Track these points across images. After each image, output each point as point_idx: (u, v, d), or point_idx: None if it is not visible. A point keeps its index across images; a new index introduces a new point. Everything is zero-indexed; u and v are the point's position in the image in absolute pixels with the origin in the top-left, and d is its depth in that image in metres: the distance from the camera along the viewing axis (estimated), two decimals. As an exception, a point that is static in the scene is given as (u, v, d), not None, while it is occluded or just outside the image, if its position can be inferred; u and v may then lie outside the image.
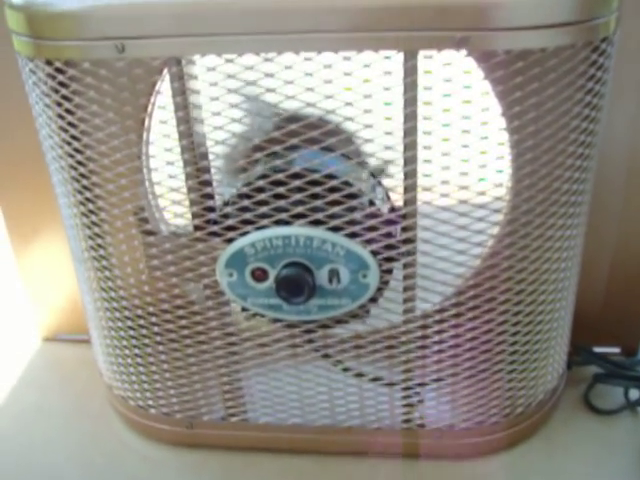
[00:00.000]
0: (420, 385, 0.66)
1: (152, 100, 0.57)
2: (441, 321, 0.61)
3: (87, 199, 0.62)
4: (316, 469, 0.71)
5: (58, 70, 0.55)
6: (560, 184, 0.57)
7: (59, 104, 0.57)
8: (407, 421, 0.69)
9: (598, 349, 0.82)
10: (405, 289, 0.60)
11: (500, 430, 0.70)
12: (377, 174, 0.61)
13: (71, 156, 0.60)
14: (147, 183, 0.61)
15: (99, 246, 0.64)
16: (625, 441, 0.74)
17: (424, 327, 0.62)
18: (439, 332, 0.62)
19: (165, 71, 0.54)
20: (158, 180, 0.60)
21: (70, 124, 0.58)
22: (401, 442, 0.70)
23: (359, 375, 0.66)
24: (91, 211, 0.62)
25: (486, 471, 0.71)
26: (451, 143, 0.54)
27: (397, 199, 0.60)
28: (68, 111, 0.57)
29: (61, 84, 0.56)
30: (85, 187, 0.61)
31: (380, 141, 0.55)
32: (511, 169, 0.56)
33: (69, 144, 0.59)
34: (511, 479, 0.70)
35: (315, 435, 0.70)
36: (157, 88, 0.56)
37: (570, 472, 0.71)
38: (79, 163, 0.60)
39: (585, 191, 0.60)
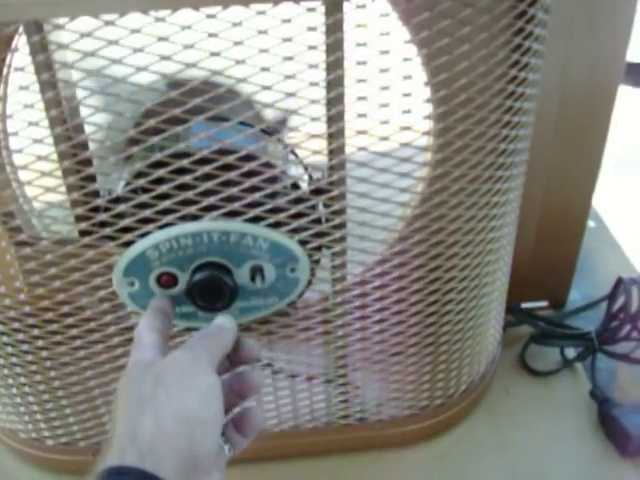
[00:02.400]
0: (359, 369, 0.59)
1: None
2: (374, 290, 0.54)
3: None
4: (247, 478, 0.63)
5: None
6: (485, 128, 0.50)
7: None
8: (345, 417, 0.61)
9: (526, 304, 0.77)
10: (333, 268, 0.53)
11: (444, 412, 0.65)
12: (278, 128, 0.51)
13: None
14: (14, 183, 0.50)
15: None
16: (567, 401, 0.70)
17: (360, 297, 0.54)
18: (372, 304, 0.54)
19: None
20: (27, 178, 0.48)
21: None
22: (343, 438, 0.63)
23: (292, 376, 0.57)
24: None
25: (432, 455, 0.66)
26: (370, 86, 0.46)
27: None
28: None
29: None
30: None
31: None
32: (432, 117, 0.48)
33: None
34: (461, 458, 0.65)
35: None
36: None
37: (517, 442, 0.67)
38: None
39: (519, 142, 0.53)
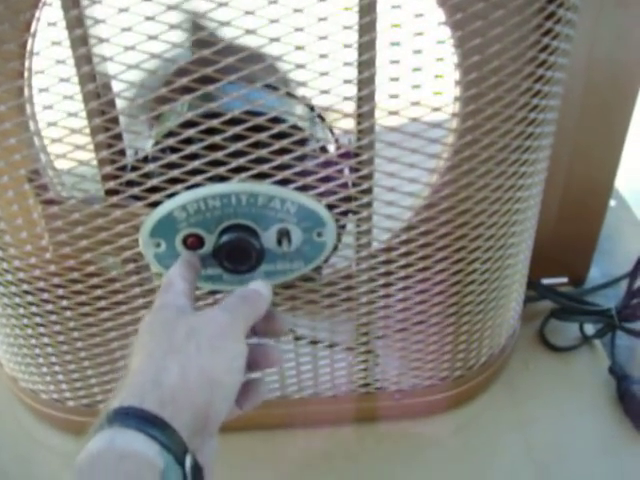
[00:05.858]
0: (381, 338, 0.59)
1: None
2: (400, 257, 0.53)
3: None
4: (265, 445, 0.64)
5: None
6: (516, 96, 0.49)
7: None
8: (366, 385, 0.61)
9: (546, 280, 0.77)
10: (358, 234, 0.52)
11: (463, 383, 0.65)
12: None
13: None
14: (38, 141, 0.50)
15: (-15, 221, 0.52)
16: (586, 377, 0.70)
17: (385, 264, 0.54)
18: (396, 271, 0.54)
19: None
20: (53, 136, 0.48)
21: None
22: (361, 407, 0.63)
23: (314, 342, 0.58)
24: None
25: (450, 427, 0.66)
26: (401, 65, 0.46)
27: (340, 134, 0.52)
28: None
29: None
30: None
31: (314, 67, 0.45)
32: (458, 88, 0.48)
33: None
34: (479, 431, 0.65)
35: (262, 410, 0.62)
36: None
37: (535, 416, 0.67)
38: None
39: (547, 112, 0.53)
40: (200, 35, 0.44)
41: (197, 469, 0.36)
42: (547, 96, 0.51)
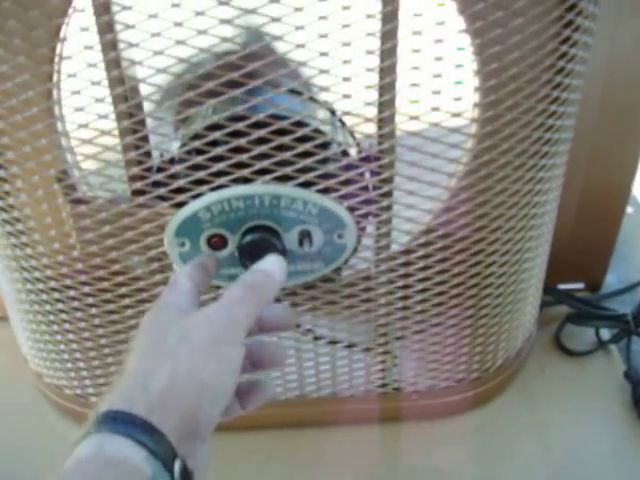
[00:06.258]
0: (399, 339, 0.59)
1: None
2: (418, 260, 0.54)
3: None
4: (283, 444, 0.65)
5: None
6: (534, 103, 0.50)
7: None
8: (383, 385, 0.62)
9: (563, 286, 0.78)
10: (378, 236, 0.53)
11: (479, 385, 0.65)
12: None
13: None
14: (65, 142, 0.51)
15: (15, 220, 0.54)
16: (601, 382, 0.71)
17: (404, 266, 0.55)
18: (415, 273, 0.55)
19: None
20: (82, 137, 0.50)
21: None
22: (378, 407, 0.64)
23: (332, 343, 0.59)
24: (3, 179, 0.52)
25: (465, 428, 0.67)
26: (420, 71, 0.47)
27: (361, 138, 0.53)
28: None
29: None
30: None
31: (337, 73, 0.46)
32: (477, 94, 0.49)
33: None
34: (492, 434, 0.66)
35: (282, 409, 0.63)
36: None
37: (550, 420, 0.67)
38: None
39: (565, 119, 0.54)
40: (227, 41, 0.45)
41: (186, 475, 0.36)
42: (565, 103, 0.52)
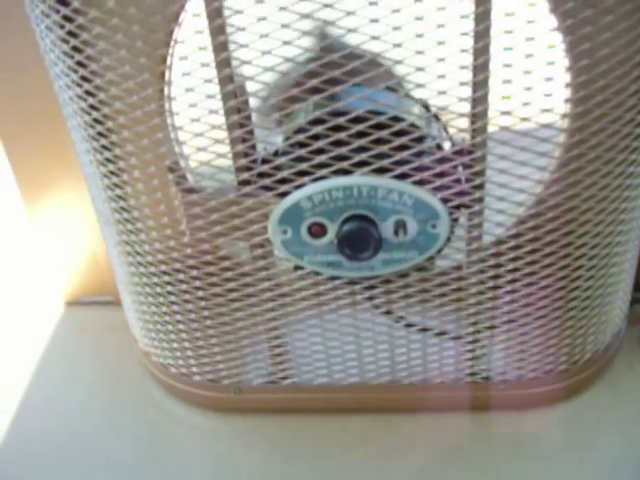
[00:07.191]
0: (489, 329, 0.61)
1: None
2: (509, 250, 0.56)
3: (115, 156, 0.56)
4: (375, 428, 0.67)
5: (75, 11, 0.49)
6: (624, 98, 0.51)
7: (77, 49, 0.51)
8: (472, 374, 0.64)
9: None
10: (470, 227, 0.56)
11: (567, 378, 0.66)
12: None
13: (95, 109, 0.54)
14: (173, 134, 0.55)
15: (131, 207, 0.58)
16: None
17: (495, 256, 0.57)
18: (505, 264, 0.57)
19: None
20: (192, 130, 0.54)
21: (85, 68, 0.52)
22: (466, 396, 0.66)
23: (424, 330, 0.61)
24: (121, 169, 0.56)
25: (552, 420, 0.68)
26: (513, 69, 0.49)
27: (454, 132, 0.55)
28: (87, 56, 0.51)
29: (78, 28, 0.50)
30: (112, 144, 0.55)
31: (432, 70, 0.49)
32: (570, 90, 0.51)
33: (91, 95, 0.53)
34: (581, 427, 0.67)
35: (373, 394, 0.66)
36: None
37: (637, 418, 0.67)
38: (104, 117, 0.54)
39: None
40: (328, 41, 0.48)
41: None
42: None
